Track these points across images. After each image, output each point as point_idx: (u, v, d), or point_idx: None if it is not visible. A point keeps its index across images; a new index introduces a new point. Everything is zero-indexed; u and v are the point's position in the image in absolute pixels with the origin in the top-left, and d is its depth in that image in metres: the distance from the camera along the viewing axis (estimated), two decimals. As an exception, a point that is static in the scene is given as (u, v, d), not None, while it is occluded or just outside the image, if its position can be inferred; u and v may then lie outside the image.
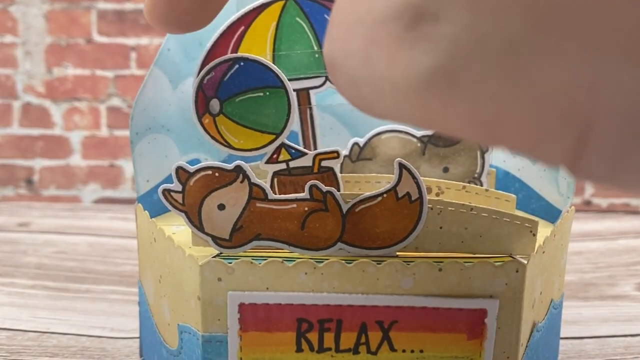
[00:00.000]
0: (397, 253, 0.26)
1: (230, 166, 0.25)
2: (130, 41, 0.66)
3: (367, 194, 0.25)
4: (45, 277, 0.44)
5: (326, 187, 0.25)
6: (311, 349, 0.25)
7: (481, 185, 0.33)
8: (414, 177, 0.25)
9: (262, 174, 0.29)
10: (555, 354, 0.33)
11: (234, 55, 0.28)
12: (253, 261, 0.24)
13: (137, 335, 0.34)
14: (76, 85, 0.67)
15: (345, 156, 0.34)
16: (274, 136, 0.29)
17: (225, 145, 0.28)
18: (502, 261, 0.24)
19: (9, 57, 0.66)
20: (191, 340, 0.26)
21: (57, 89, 0.67)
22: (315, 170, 0.30)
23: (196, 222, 0.25)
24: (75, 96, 0.67)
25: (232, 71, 0.28)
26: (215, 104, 0.28)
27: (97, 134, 0.68)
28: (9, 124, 0.67)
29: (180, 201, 0.25)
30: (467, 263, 0.24)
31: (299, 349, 0.25)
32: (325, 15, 0.31)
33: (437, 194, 0.30)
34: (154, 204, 0.30)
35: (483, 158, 0.33)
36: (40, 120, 0.67)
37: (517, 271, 0.24)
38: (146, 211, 0.29)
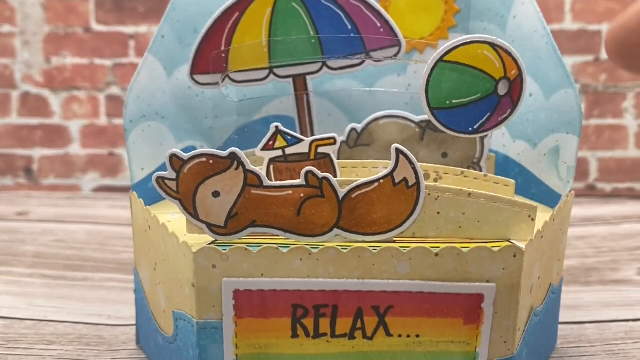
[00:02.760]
0: (394, 239, 0.26)
1: (224, 153, 0.25)
2: (129, 29, 0.66)
3: (364, 179, 0.25)
4: (43, 266, 0.44)
5: (322, 174, 0.25)
6: (307, 334, 0.25)
7: (480, 170, 0.33)
8: (411, 163, 0.25)
9: (258, 160, 0.30)
10: (553, 338, 0.33)
11: None
12: (248, 248, 0.24)
13: (135, 322, 0.34)
14: (75, 75, 0.67)
15: (342, 142, 0.34)
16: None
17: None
18: (500, 246, 0.24)
19: (7, 47, 0.66)
20: (186, 327, 0.26)
21: (55, 78, 0.67)
22: (312, 156, 0.30)
23: (191, 209, 0.25)
24: (74, 85, 0.67)
25: None
26: None
27: (96, 122, 0.68)
28: (7, 113, 0.68)
29: (175, 189, 0.25)
30: (464, 248, 0.24)
31: (295, 335, 0.25)
32: (323, 1, 0.31)
33: (436, 180, 0.31)
34: (149, 191, 0.30)
35: (482, 143, 0.33)
36: (38, 110, 0.68)
37: (514, 256, 0.24)
38: (141, 199, 0.29)
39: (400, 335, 0.25)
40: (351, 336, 0.25)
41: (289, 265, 0.24)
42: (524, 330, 0.26)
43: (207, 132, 0.35)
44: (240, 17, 0.31)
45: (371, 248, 0.24)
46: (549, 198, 0.31)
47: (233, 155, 0.25)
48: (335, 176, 0.30)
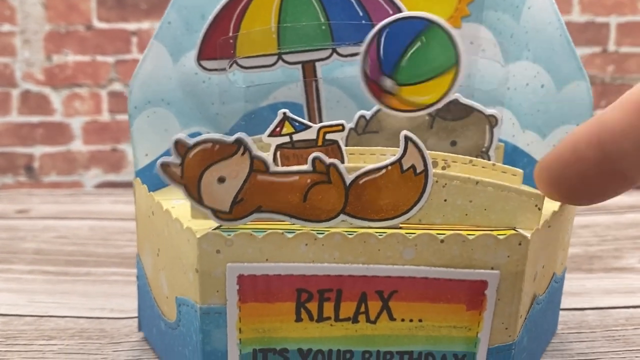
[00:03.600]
0: (400, 225, 0.26)
1: (231, 139, 0.25)
2: (131, 26, 0.67)
3: (372, 166, 0.26)
4: (44, 262, 0.44)
5: (329, 159, 0.26)
6: (310, 318, 0.26)
7: (489, 159, 0.33)
8: (419, 150, 0.25)
9: (265, 147, 0.30)
10: (554, 325, 0.33)
11: (373, 32, 0.27)
12: (253, 233, 0.25)
13: (137, 315, 0.35)
14: (76, 72, 0.68)
15: (351, 129, 0.34)
16: (452, 72, 0.28)
17: (424, 109, 0.28)
18: (505, 234, 0.24)
19: (7, 46, 0.66)
20: (189, 313, 0.27)
21: (56, 75, 0.68)
22: (320, 143, 0.30)
23: (195, 195, 0.25)
24: (76, 82, 0.67)
25: (382, 44, 0.28)
26: (388, 83, 0.28)
27: (98, 119, 0.68)
28: (7, 112, 0.67)
29: (179, 174, 0.25)
30: (469, 235, 0.24)
31: (299, 319, 0.26)
32: None
33: (444, 168, 0.31)
34: (153, 177, 0.30)
35: (492, 132, 0.33)
36: (39, 108, 0.68)
37: (520, 244, 0.24)
38: (144, 185, 0.29)
39: (403, 320, 0.26)
40: (355, 320, 0.26)
41: (294, 250, 0.25)
42: (525, 317, 0.27)
43: (213, 119, 0.36)
44: (249, 2, 0.31)
45: (377, 234, 0.25)
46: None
47: (239, 141, 0.25)
48: (342, 162, 0.30)
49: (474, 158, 0.30)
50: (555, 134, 0.32)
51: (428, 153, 0.30)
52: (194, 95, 0.35)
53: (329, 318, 0.26)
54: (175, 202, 0.30)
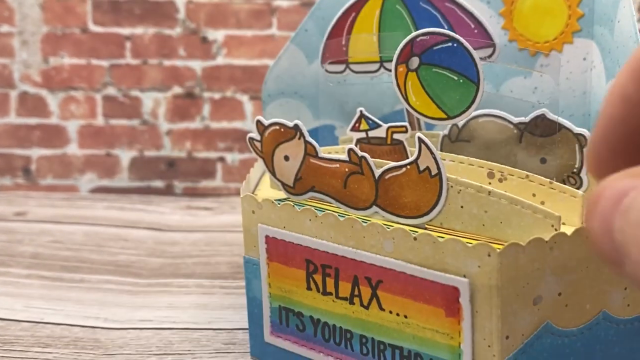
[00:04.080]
0: (426, 225, 0.28)
1: (291, 124, 0.30)
2: (125, 31, 0.67)
3: (393, 163, 0.28)
4: (40, 267, 0.44)
5: (361, 152, 0.29)
6: (317, 289, 0.29)
7: (581, 181, 0.32)
8: (432, 153, 0.27)
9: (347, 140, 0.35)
10: None
11: (455, 35, 0.30)
12: (274, 201, 0.30)
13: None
14: (72, 75, 0.69)
15: (444, 136, 0.36)
16: (445, 117, 0.31)
17: (403, 97, 0.32)
18: (472, 242, 0.24)
19: (6, 47, 0.68)
20: (242, 263, 0.32)
21: (53, 78, 0.69)
22: (388, 141, 0.33)
23: (270, 168, 0.31)
24: (71, 85, 0.68)
25: (444, 45, 0.31)
26: (415, 62, 0.31)
27: (93, 123, 0.69)
28: (6, 113, 0.69)
29: (260, 148, 0.31)
30: (439, 237, 0.25)
31: (309, 287, 0.29)
32: (421, 3, 0.35)
33: (500, 180, 0.31)
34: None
35: (582, 152, 0.31)
36: (37, 110, 0.69)
37: (488, 255, 0.24)
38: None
39: (391, 312, 0.27)
40: (351, 301, 0.28)
41: (301, 223, 0.29)
42: (523, 343, 0.25)
43: (348, 116, 0.39)
44: (357, 16, 0.37)
45: (361, 220, 0.27)
46: None
47: (296, 127, 0.30)
48: None
49: (531, 174, 0.30)
50: None
51: (489, 164, 0.31)
52: (329, 93, 0.40)
53: (331, 293, 0.29)
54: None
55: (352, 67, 0.37)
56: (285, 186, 0.30)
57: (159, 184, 0.69)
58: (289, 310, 0.31)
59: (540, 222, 0.25)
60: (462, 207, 0.26)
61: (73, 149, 0.68)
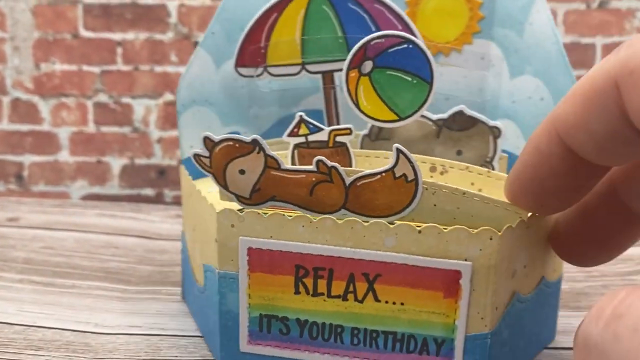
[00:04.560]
0: (396, 221, 0.28)
1: (248, 139, 0.29)
2: (116, 36, 0.66)
3: (368, 171, 0.28)
4: (32, 272, 0.44)
5: (331, 163, 0.28)
6: (307, 292, 0.28)
7: (493, 168, 0.35)
8: (410, 161, 0.28)
9: (285, 146, 0.33)
10: (549, 331, 0.34)
11: (410, 37, 0.30)
12: (260, 212, 0.28)
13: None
14: (63, 81, 0.67)
15: (364, 135, 0.37)
16: (397, 118, 0.31)
17: (353, 102, 0.31)
18: (477, 229, 0.26)
19: None
20: (212, 277, 0.30)
21: (45, 84, 0.67)
22: (330, 144, 0.33)
23: (222, 182, 0.29)
24: (63, 92, 0.67)
25: (399, 48, 0.31)
26: (368, 66, 0.31)
27: (84, 129, 0.68)
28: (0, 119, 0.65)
29: (208, 165, 0.29)
30: (444, 228, 0.26)
31: (297, 292, 0.28)
32: (349, 4, 0.35)
33: (442, 172, 0.34)
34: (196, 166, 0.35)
35: (495, 143, 0.35)
36: (29, 116, 0.68)
37: (491, 239, 0.26)
38: (187, 172, 0.35)
39: (387, 302, 0.28)
40: (344, 298, 0.28)
41: (293, 230, 0.28)
42: (504, 311, 0.28)
43: (251, 120, 0.40)
44: (278, 17, 0.35)
45: (363, 221, 0.27)
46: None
47: (255, 142, 0.29)
48: (350, 163, 0.33)
49: (470, 165, 0.33)
50: None
51: (429, 159, 0.34)
52: (234, 98, 0.38)
53: (322, 294, 0.28)
54: (212, 189, 0.35)
55: (271, 70, 0.36)
56: (240, 198, 0.29)
57: (149, 192, 0.67)
58: (272, 316, 0.29)
59: (510, 215, 0.27)
60: (435, 205, 0.28)
61: (64, 156, 0.67)
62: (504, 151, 0.36)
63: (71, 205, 0.65)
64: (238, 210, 0.28)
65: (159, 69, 0.67)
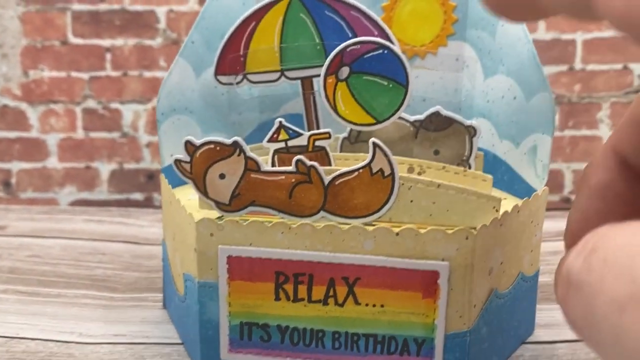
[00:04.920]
0: (374, 222, 0.28)
1: (229, 141, 0.29)
2: (105, 42, 0.66)
3: (346, 168, 0.28)
4: (17, 282, 0.44)
5: (310, 162, 0.28)
6: (287, 298, 0.28)
7: (469, 167, 0.35)
8: (386, 155, 0.28)
9: (265, 152, 0.34)
10: (528, 325, 0.34)
11: (385, 42, 0.31)
12: (239, 221, 0.28)
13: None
14: (52, 88, 0.67)
15: (344, 138, 0.38)
16: (374, 122, 0.32)
17: (331, 107, 0.32)
18: (453, 229, 0.26)
19: None
20: (191, 286, 0.30)
21: (33, 91, 0.67)
22: (310, 149, 0.33)
23: (202, 188, 0.29)
24: (51, 98, 0.67)
25: (375, 53, 0.31)
26: (345, 71, 0.32)
27: (73, 136, 0.67)
28: None
29: (189, 170, 0.29)
30: (421, 229, 0.26)
31: (277, 298, 0.29)
32: (326, 12, 0.35)
33: (419, 173, 0.34)
34: (176, 175, 0.35)
35: (471, 142, 0.35)
36: (17, 123, 0.68)
37: (466, 238, 0.26)
38: (167, 180, 0.35)
39: (367, 304, 0.28)
40: (325, 302, 0.28)
41: (272, 237, 0.28)
42: (482, 309, 0.28)
43: (231, 127, 0.40)
44: (257, 25, 0.36)
45: (341, 226, 0.27)
46: (529, 194, 0.34)
47: (236, 144, 0.29)
48: (330, 166, 0.33)
49: (447, 165, 0.34)
50: (525, 143, 0.35)
51: (407, 160, 0.34)
52: (215, 106, 0.39)
53: (303, 299, 0.28)
54: (192, 197, 0.35)
55: (250, 77, 0.37)
56: (219, 205, 0.29)
57: (138, 196, 0.67)
58: (253, 324, 0.29)
59: (484, 205, 0.28)
60: (411, 201, 0.28)
61: (53, 162, 0.66)
62: (480, 149, 0.37)
63: (59, 211, 0.64)
64: (217, 218, 0.28)
65: (148, 74, 0.67)
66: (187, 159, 0.30)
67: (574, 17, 0.15)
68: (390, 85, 0.31)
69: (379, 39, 0.31)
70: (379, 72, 0.31)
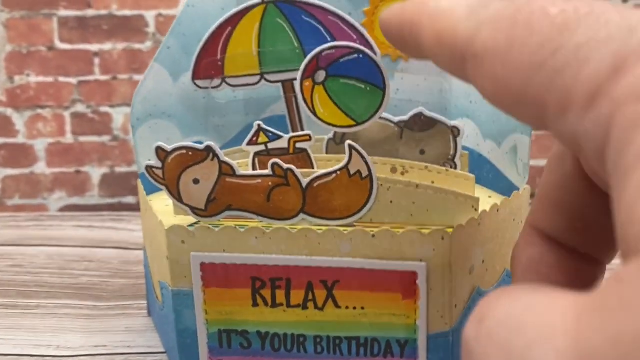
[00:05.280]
0: (355, 224, 0.28)
1: (201, 146, 0.28)
2: (93, 47, 0.66)
3: (323, 171, 0.28)
4: None
5: (286, 165, 0.28)
6: (265, 304, 0.28)
7: (455, 166, 0.35)
8: (362, 157, 0.28)
9: (246, 154, 0.33)
10: None
11: (359, 47, 0.31)
12: (211, 227, 0.27)
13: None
14: (39, 93, 0.67)
15: (329, 139, 0.37)
16: (354, 123, 0.32)
17: (310, 110, 0.32)
18: (429, 229, 0.26)
19: None
20: (167, 295, 0.29)
21: (19, 97, 0.67)
22: (291, 151, 0.33)
23: (175, 194, 0.29)
24: (39, 104, 0.66)
25: (350, 57, 0.31)
26: (322, 75, 0.32)
27: (61, 141, 0.67)
28: None
29: (161, 176, 0.29)
30: (397, 231, 0.26)
31: (255, 304, 0.28)
32: (303, 17, 0.35)
33: (402, 173, 0.34)
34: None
35: (455, 142, 0.35)
36: (2, 130, 0.67)
37: (442, 239, 0.26)
38: (142, 186, 0.34)
39: (347, 307, 0.28)
40: (304, 307, 0.28)
41: (246, 242, 0.27)
42: (464, 308, 0.28)
43: (215, 130, 0.40)
44: (233, 31, 0.36)
45: (317, 229, 0.27)
46: (512, 192, 0.34)
47: (209, 148, 0.29)
48: (312, 168, 0.34)
49: (429, 164, 0.33)
50: (507, 142, 0.34)
51: (390, 161, 0.33)
52: (195, 109, 0.39)
53: (281, 304, 0.28)
54: (170, 203, 0.35)
55: (230, 80, 0.36)
56: (195, 210, 0.29)
57: (130, 200, 0.67)
58: (231, 331, 0.29)
59: (462, 205, 0.28)
60: (391, 202, 0.28)
61: (41, 168, 0.66)
62: (465, 148, 0.36)
63: (48, 217, 0.62)
64: (188, 225, 0.28)
65: (138, 77, 0.67)
66: (159, 165, 0.29)
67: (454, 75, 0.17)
68: (368, 88, 0.31)
69: (353, 44, 0.31)
70: (355, 76, 0.31)
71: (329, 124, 0.32)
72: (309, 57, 0.31)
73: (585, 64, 0.13)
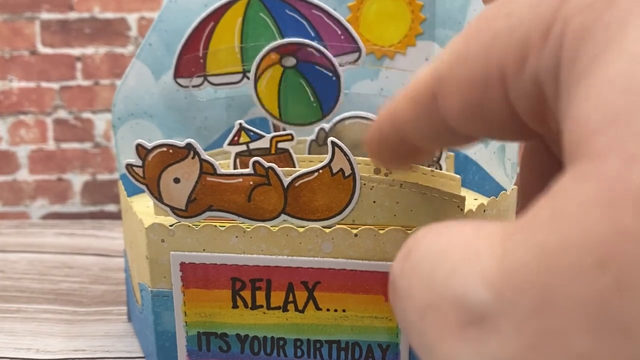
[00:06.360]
0: (337, 225, 0.28)
1: (182, 143, 0.28)
2: (75, 51, 0.66)
3: (305, 169, 0.28)
4: None
5: (268, 163, 0.28)
6: (245, 305, 0.28)
7: (440, 168, 0.35)
8: (345, 155, 0.28)
9: (228, 155, 0.33)
10: None
11: (340, 72, 0.32)
12: (191, 225, 0.27)
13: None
14: (21, 98, 0.66)
15: (312, 140, 0.37)
16: (278, 117, 0.32)
17: (255, 78, 0.32)
18: (412, 228, 0.26)
19: None
20: (146, 296, 0.29)
21: (1, 103, 0.66)
22: (273, 151, 0.33)
23: (156, 193, 0.28)
24: (21, 110, 0.66)
25: (325, 71, 0.33)
26: (291, 62, 0.33)
27: (44, 147, 0.67)
28: None
29: (142, 175, 0.28)
30: (380, 230, 0.26)
31: (235, 306, 0.28)
32: (286, 11, 0.35)
33: (386, 174, 0.34)
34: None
35: None
36: None
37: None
38: (123, 187, 0.34)
39: (328, 310, 0.27)
40: (284, 309, 0.28)
41: (226, 241, 0.27)
42: None
43: (197, 131, 0.40)
44: (215, 25, 0.35)
45: (298, 228, 0.27)
46: (498, 193, 0.34)
47: (189, 146, 0.28)
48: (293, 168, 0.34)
49: (414, 165, 0.33)
50: (494, 142, 0.35)
51: (369, 159, 0.34)
52: (177, 109, 0.38)
53: (261, 306, 0.27)
54: (150, 204, 0.35)
55: (211, 79, 0.36)
56: (175, 211, 0.28)
57: (112, 208, 0.66)
58: (211, 333, 0.29)
59: (447, 204, 0.27)
60: (374, 202, 0.28)
61: (23, 175, 0.66)
62: (451, 150, 0.36)
63: (29, 225, 0.62)
64: (170, 225, 0.28)
65: (119, 82, 0.67)
66: (139, 163, 0.29)
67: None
68: (314, 104, 0.32)
69: (337, 67, 0.32)
70: (314, 86, 0.32)
71: (260, 103, 0.33)
72: (298, 40, 0.32)
73: (540, 4, 0.12)
